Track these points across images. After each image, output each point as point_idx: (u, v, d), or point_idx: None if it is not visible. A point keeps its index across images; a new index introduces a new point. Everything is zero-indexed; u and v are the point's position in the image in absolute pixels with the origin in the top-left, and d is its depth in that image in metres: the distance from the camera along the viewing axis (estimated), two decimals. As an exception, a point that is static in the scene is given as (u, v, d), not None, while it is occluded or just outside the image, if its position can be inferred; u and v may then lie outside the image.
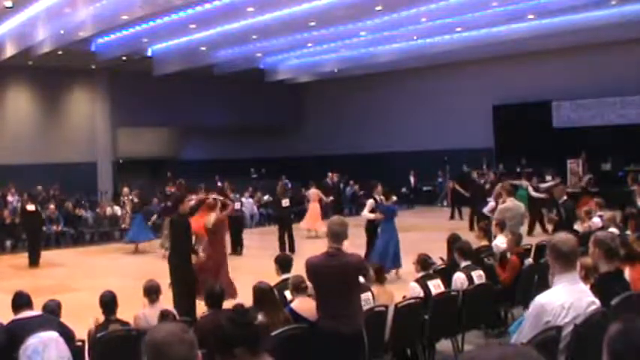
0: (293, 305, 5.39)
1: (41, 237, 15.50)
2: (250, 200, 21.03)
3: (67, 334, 4.89)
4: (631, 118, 21.17)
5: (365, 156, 26.75)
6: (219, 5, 16.99)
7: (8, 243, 16.75)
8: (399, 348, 6.23)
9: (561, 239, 3.84)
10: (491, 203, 12.54)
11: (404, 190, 23.90)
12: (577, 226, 10.09)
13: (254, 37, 20.64)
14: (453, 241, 7.57)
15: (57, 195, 20.54)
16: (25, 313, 4.93)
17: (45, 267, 14.09)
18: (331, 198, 19.37)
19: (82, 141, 24.68)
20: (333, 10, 17.41)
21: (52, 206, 17.66)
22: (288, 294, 5.84)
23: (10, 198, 19.01)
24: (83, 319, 5.87)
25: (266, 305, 5.19)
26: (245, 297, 6.72)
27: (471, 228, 15.16)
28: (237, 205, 14.52)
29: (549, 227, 14.03)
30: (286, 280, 5.99)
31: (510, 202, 10.80)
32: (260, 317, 5.02)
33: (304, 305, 5.30)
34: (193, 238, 9.16)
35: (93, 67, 23.62)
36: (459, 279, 6.64)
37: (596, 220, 9.71)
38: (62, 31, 17.81)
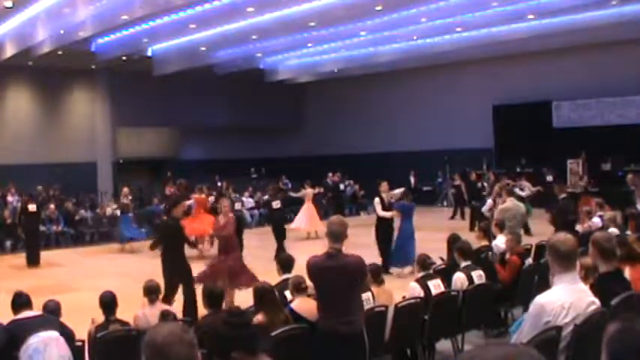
0: (293, 305, 5.39)
1: (40, 237, 15.52)
2: (250, 200, 21.04)
3: (67, 334, 4.90)
4: (631, 118, 21.16)
5: (365, 156, 26.75)
6: (219, 5, 16.98)
7: (8, 243, 16.75)
8: (399, 348, 6.23)
9: (560, 239, 3.85)
10: (489, 201, 12.61)
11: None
12: (578, 227, 10.09)
13: (254, 37, 20.63)
14: (453, 241, 7.57)
15: (57, 195, 20.55)
16: (25, 314, 4.94)
17: (45, 267, 14.09)
18: (322, 191, 19.32)
19: (82, 141, 24.68)
20: (333, 10, 17.40)
21: (52, 206, 17.66)
22: (288, 294, 5.84)
23: (10, 198, 19.00)
24: (83, 319, 5.87)
25: (266, 305, 5.19)
26: (245, 297, 6.72)
27: (471, 228, 15.17)
28: (237, 206, 14.47)
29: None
30: (287, 280, 5.99)
31: (510, 202, 10.83)
32: (259, 317, 5.02)
33: (304, 305, 5.30)
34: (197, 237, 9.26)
35: (93, 67, 23.62)
36: (458, 279, 6.64)
37: (596, 220, 9.72)
38: (62, 31, 17.81)
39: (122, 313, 5.84)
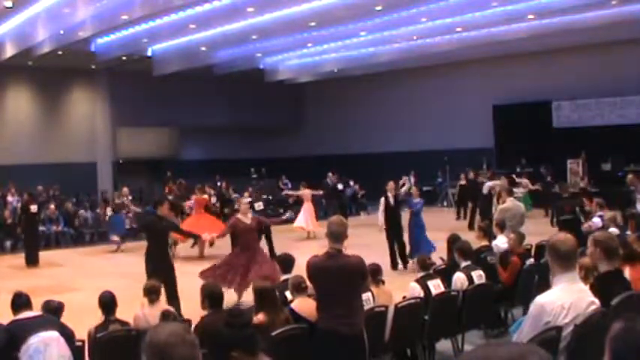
0: (293, 305, 5.39)
1: (40, 237, 15.55)
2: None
3: (67, 334, 4.89)
4: (631, 118, 21.16)
5: (365, 156, 26.74)
6: (219, 5, 16.99)
7: (8, 243, 16.74)
8: (399, 348, 6.24)
9: (560, 239, 3.84)
10: (489, 183, 13.89)
11: (404, 188, 23.86)
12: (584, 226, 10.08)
13: (254, 37, 20.64)
14: (453, 241, 7.58)
15: (57, 195, 20.55)
16: (25, 314, 4.94)
17: (45, 267, 14.09)
18: (321, 193, 19.35)
19: (82, 141, 24.68)
20: (333, 10, 17.41)
21: (52, 206, 17.66)
22: (289, 294, 5.84)
23: (10, 198, 19.00)
24: (83, 319, 5.88)
25: (267, 305, 5.19)
26: (246, 297, 6.71)
27: (471, 228, 15.17)
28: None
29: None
30: (287, 280, 5.99)
31: (510, 202, 10.83)
32: (259, 317, 5.02)
33: (304, 305, 5.30)
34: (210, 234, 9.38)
35: (93, 67, 23.62)
36: (458, 279, 6.64)
37: (596, 220, 9.71)
38: (62, 31, 17.81)
39: (122, 313, 5.84)
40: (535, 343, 3.50)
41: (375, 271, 6.57)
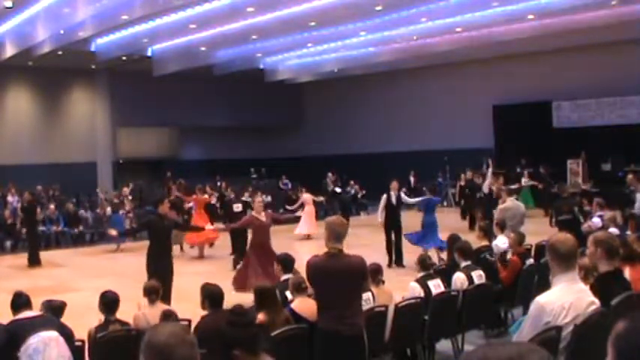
0: (293, 305, 5.39)
1: (40, 237, 15.57)
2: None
3: (67, 334, 4.89)
4: (631, 118, 21.15)
5: (365, 156, 26.74)
6: (219, 5, 16.99)
7: (8, 243, 16.73)
8: (399, 348, 6.23)
9: (559, 239, 3.84)
10: (487, 182, 14.23)
11: (404, 190, 23.85)
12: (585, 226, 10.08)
13: (254, 37, 20.64)
14: (453, 241, 7.57)
15: (57, 195, 20.55)
16: (25, 314, 4.93)
17: (45, 267, 14.08)
18: (323, 199, 19.37)
19: (82, 141, 24.68)
20: (333, 10, 17.41)
21: (52, 206, 17.65)
22: (289, 294, 5.84)
23: (10, 198, 18.99)
24: (83, 319, 5.87)
25: (267, 305, 5.19)
26: (246, 297, 6.72)
27: (472, 228, 15.17)
28: (239, 207, 14.35)
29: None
30: (287, 280, 5.98)
31: (510, 202, 10.85)
32: (260, 317, 5.01)
33: (304, 305, 5.30)
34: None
35: (93, 67, 23.62)
36: (458, 279, 6.64)
37: (596, 220, 9.70)
38: (62, 31, 17.82)
39: (122, 314, 5.83)
40: (535, 343, 3.50)
41: (375, 271, 6.56)
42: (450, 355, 6.50)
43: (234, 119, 27.80)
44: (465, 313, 6.34)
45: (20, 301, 5.03)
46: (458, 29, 20.88)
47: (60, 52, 20.15)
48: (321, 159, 27.11)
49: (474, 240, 8.10)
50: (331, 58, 25.14)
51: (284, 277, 6.27)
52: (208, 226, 10.20)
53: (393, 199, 12.26)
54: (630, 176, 13.32)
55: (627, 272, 5.11)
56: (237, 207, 14.12)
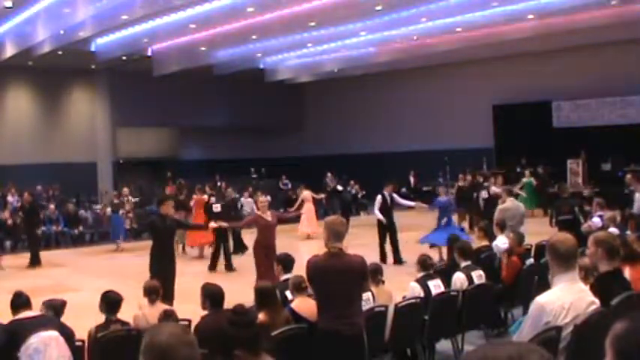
0: (293, 305, 5.39)
1: (40, 237, 15.58)
2: (250, 200, 20.98)
3: (67, 334, 4.89)
4: (631, 118, 21.14)
5: (365, 156, 26.73)
6: (219, 5, 17.00)
7: (8, 243, 16.73)
8: (399, 348, 6.23)
9: (559, 239, 3.84)
10: (494, 188, 14.77)
11: (404, 190, 23.86)
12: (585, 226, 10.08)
13: (254, 37, 20.64)
14: (453, 241, 7.57)
15: (57, 195, 20.55)
16: (25, 314, 4.93)
17: (45, 267, 14.09)
18: (323, 197, 19.39)
19: (82, 141, 24.68)
20: (333, 10, 17.41)
21: (52, 206, 17.65)
22: (289, 294, 5.84)
23: (10, 198, 18.99)
24: (83, 319, 5.87)
25: (267, 305, 5.19)
26: (246, 297, 6.71)
27: (471, 228, 15.17)
28: (218, 208, 14.24)
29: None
30: (287, 280, 5.98)
31: (510, 202, 10.86)
32: (260, 317, 5.01)
33: (304, 305, 5.30)
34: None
35: (93, 67, 23.62)
36: (458, 279, 6.64)
37: (596, 220, 9.70)
38: (62, 31, 17.81)
39: (122, 314, 5.83)
40: (535, 343, 3.50)
41: (375, 271, 6.56)
42: (450, 355, 6.50)
43: (234, 119, 27.80)
44: (464, 313, 6.34)
45: (20, 301, 5.03)
46: (458, 29, 20.87)
47: (60, 52, 20.15)
48: (321, 159, 27.09)
49: (474, 240, 8.10)
50: (331, 58, 25.13)
51: (284, 277, 6.27)
52: (212, 224, 10.09)
53: (388, 200, 12.81)
54: (629, 176, 13.31)
55: (627, 272, 5.11)
56: (217, 207, 13.74)
